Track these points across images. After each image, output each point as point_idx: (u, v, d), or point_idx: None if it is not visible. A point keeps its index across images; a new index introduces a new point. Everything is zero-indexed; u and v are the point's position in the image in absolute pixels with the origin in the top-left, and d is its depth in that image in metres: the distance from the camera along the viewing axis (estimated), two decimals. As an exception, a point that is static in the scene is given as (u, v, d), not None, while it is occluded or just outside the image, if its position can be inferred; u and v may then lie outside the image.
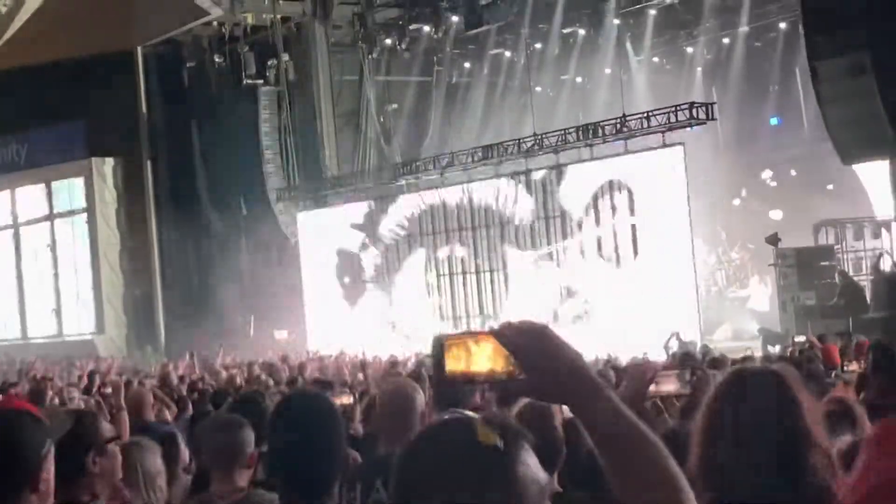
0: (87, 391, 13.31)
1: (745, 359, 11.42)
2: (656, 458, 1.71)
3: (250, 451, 4.04)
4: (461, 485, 1.70)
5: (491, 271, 26.90)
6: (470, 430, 1.75)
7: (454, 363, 1.73)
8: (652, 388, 3.74)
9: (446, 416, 1.87)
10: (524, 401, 3.93)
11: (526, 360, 1.70)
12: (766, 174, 29.08)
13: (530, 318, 1.83)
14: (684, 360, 12.60)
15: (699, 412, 2.54)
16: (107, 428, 3.64)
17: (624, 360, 14.92)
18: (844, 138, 20.63)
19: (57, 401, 11.30)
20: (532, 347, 1.70)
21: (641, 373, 3.87)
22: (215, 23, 32.29)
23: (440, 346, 1.74)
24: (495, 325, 1.77)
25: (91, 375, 17.16)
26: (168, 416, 9.67)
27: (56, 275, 36.77)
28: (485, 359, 1.72)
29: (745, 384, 2.49)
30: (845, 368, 7.67)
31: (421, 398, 4.63)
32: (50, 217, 36.88)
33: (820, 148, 24.36)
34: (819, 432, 2.40)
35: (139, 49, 33.80)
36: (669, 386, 3.76)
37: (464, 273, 27.60)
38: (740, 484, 2.33)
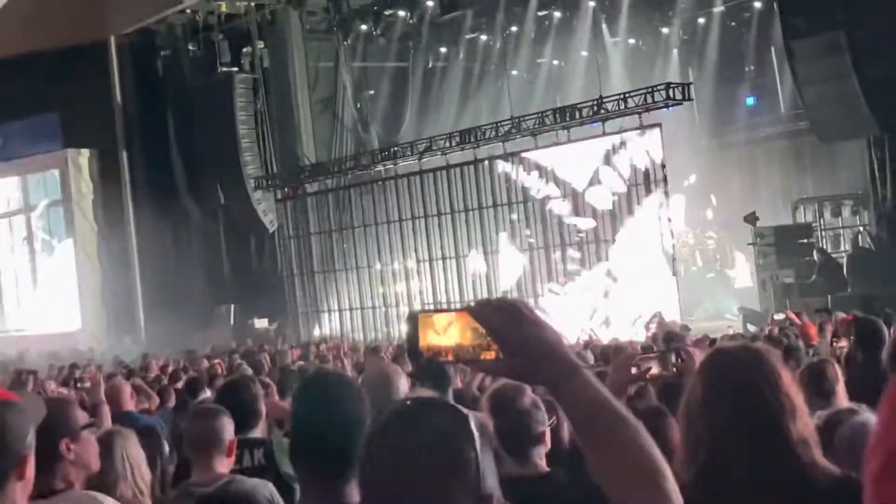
0: (65, 383, 13.27)
1: (726, 338, 11.45)
2: (634, 439, 1.70)
3: (229, 438, 4.03)
4: (426, 469, 1.68)
5: (468, 256, 26.90)
6: (443, 405, 1.74)
7: (428, 339, 1.71)
8: (634, 370, 3.74)
9: (410, 399, 1.86)
10: (499, 381, 3.93)
11: (502, 339, 1.67)
12: (744, 153, 29.13)
13: (506, 295, 1.82)
14: (668, 340, 12.66)
15: (684, 390, 2.54)
16: (81, 416, 3.61)
17: (604, 341, 14.95)
18: (822, 117, 20.74)
19: (38, 394, 11.24)
20: (508, 326, 1.68)
21: (625, 358, 3.88)
22: (189, 11, 32.10)
23: (415, 321, 1.72)
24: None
25: (72, 368, 17.13)
26: (150, 407, 9.66)
27: (33, 268, 36.57)
28: (459, 335, 1.70)
29: (726, 361, 2.49)
30: (834, 344, 7.66)
31: (403, 381, 4.63)
32: (26, 210, 36.66)
33: (796, 126, 24.50)
34: (801, 407, 2.41)
35: (112, 39, 33.57)
36: (654, 370, 3.76)
37: (443, 258, 27.59)
38: (724, 459, 2.33)
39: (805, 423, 2.39)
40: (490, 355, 1.70)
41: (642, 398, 4.75)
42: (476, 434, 1.74)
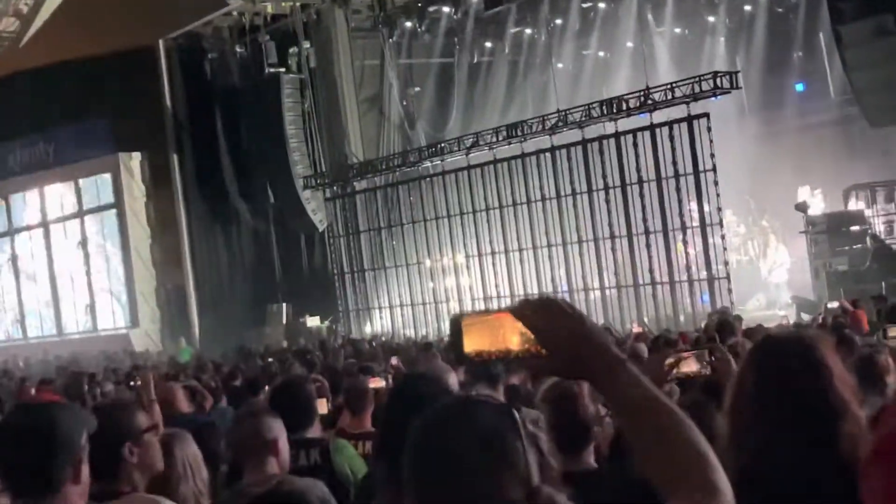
0: (122, 384, 13.43)
1: (778, 327, 11.36)
2: (680, 431, 1.70)
3: (275, 437, 4.07)
4: (477, 464, 1.70)
5: (520, 250, 26.87)
6: (489, 402, 1.77)
7: (473, 343, 1.73)
8: (672, 370, 3.74)
9: (457, 398, 1.89)
10: (552, 380, 3.95)
11: (544, 338, 1.69)
12: (794, 140, 28.82)
13: (547, 293, 1.84)
14: (720, 331, 12.57)
15: (730, 381, 2.52)
16: (143, 418, 3.67)
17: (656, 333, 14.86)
18: (871, 102, 20.49)
19: (96, 395, 11.40)
20: (550, 323, 1.70)
21: (660, 356, 3.89)
22: (235, 13, 32.31)
23: (458, 326, 1.74)
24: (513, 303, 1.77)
25: (132, 370, 17.32)
26: (205, 407, 9.74)
27: (88, 271, 37.02)
28: (504, 337, 1.72)
29: (773, 350, 2.46)
30: (888, 333, 7.50)
31: (453, 378, 4.65)
32: (80, 214, 37.11)
33: (847, 112, 24.19)
34: (851, 398, 2.37)
35: (161, 42, 33.88)
36: (689, 367, 3.76)
37: (492, 253, 27.59)
38: (769, 452, 2.31)
39: (854, 415, 2.35)
40: (534, 353, 1.72)
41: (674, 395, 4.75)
42: (522, 427, 1.76)
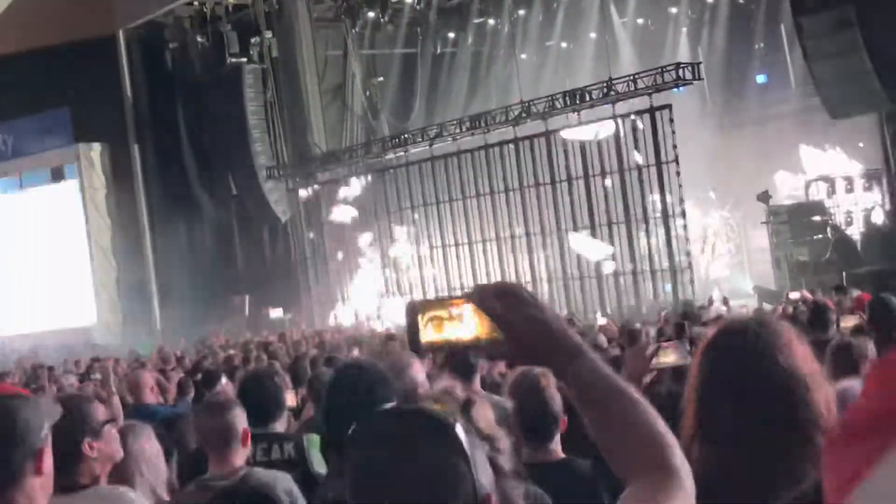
0: (82, 378, 13.32)
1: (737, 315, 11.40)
2: (640, 417, 1.69)
3: (242, 428, 4.04)
4: (419, 475, 1.65)
5: (484, 241, 26.89)
6: (423, 417, 1.69)
7: (429, 332, 1.70)
8: (654, 361, 3.73)
9: (388, 410, 1.83)
10: (519, 370, 3.94)
11: (503, 324, 1.67)
12: (754, 131, 29.01)
13: (503, 279, 1.80)
14: (684, 317, 12.66)
15: (692, 367, 2.48)
16: (101, 411, 3.62)
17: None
18: (833, 94, 20.63)
19: (54, 388, 11.30)
20: (508, 310, 1.67)
21: (640, 347, 3.88)
22: (196, 2, 32.10)
23: (413, 315, 1.70)
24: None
25: (92, 362, 17.20)
26: (168, 398, 9.68)
27: (46, 263, 36.64)
28: (462, 325, 1.69)
29: (731, 334, 2.43)
30: (840, 324, 7.64)
31: (418, 369, 4.61)
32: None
33: (808, 103, 24.36)
34: (815, 375, 2.33)
35: (121, 32, 33.60)
36: (669, 358, 3.76)
37: (456, 245, 27.60)
38: (735, 435, 2.28)
39: (822, 390, 2.30)
40: (492, 339, 1.69)
41: (657, 385, 4.76)
42: (464, 439, 1.68)
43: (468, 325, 1.68)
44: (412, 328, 1.70)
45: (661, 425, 1.70)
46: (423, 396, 1.81)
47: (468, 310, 1.69)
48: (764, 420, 2.25)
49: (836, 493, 0.83)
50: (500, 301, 1.68)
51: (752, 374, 2.29)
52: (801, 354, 2.31)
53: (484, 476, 1.68)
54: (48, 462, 2.66)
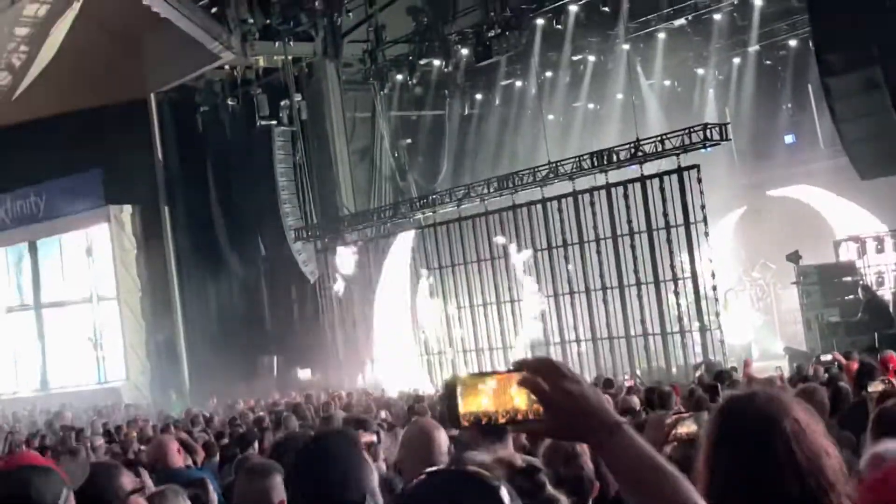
0: (110, 440, 13.33)
1: (768, 380, 11.35)
2: (677, 492, 1.69)
3: (280, 498, 4.02)
4: None
5: (512, 301, 26.84)
6: (473, 477, 1.72)
7: (469, 405, 1.69)
8: (672, 431, 3.71)
9: (446, 467, 1.84)
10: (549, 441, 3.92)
11: (543, 399, 1.67)
12: (783, 191, 28.95)
13: (543, 354, 1.81)
14: (716, 379, 12.58)
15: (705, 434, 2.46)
16: (128, 480, 3.63)
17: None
18: (861, 154, 20.59)
19: (83, 451, 11.30)
20: (549, 386, 1.67)
21: (658, 418, 3.86)
22: (227, 67, 32.52)
23: (453, 388, 1.70)
24: (510, 360, 1.74)
25: (118, 428, 17.20)
26: (197, 460, 9.66)
27: (78, 324, 36.91)
28: (501, 400, 1.69)
29: (740, 401, 2.40)
30: (869, 388, 7.56)
31: (443, 436, 4.60)
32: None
33: (837, 163, 24.30)
34: (824, 445, 2.30)
35: (152, 96, 34.06)
36: (687, 428, 3.73)
37: (484, 304, 27.56)
38: (744, 501, 2.25)
39: (830, 468, 2.27)
40: (533, 415, 1.69)
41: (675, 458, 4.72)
42: (507, 500, 1.72)
43: (507, 400, 1.68)
44: (451, 402, 1.70)
45: (700, 500, 1.71)
46: (469, 461, 1.82)
47: (507, 384, 1.69)
48: (772, 487, 2.23)
49: None
50: (539, 376, 1.68)
51: (760, 441, 2.27)
52: (808, 423, 2.29)
53: None
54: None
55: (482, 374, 1.73)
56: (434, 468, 1.96)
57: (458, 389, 1.70)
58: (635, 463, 1.70)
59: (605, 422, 1.71)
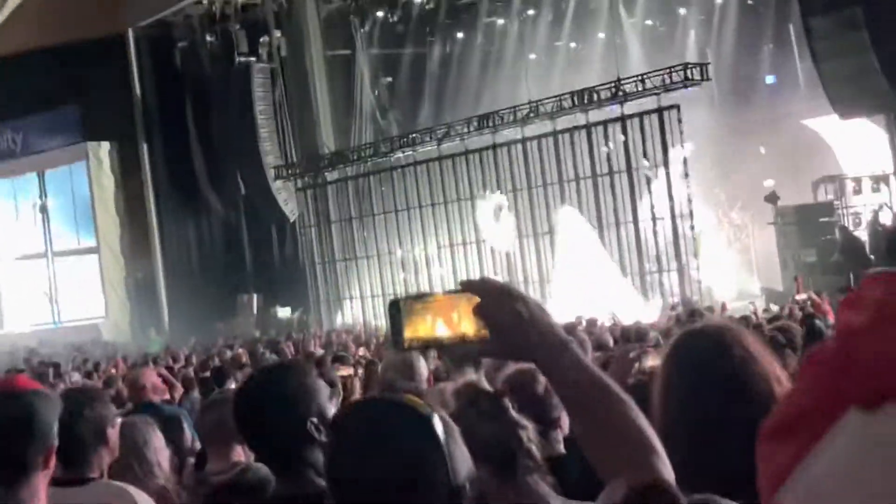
0: (88, 376, 13.36)
1: (744, 318, 11.44)
2: (624, 415, 1.68)
3: None
4: (394, 460, 1.70)
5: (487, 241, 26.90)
6: (402, 406, 1.75)
7: (413, 328, 1.68)
8: (637, 365, 3.75)
9: (370, 400, 1.87)
10: (509, 367, 3.95)
11: (490, 319, 1.67)
12: (763, 132, 28.95)
13: (490, 276, 1.81)
14: (691, 317, 12.69)
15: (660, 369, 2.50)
16: (110, 405, 3.67)
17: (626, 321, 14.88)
18: (841, 94, 20.60)
19: (60, 386, 11.35)
20: (495, 305, 1.66)
21: (626, 352, 3.90)
22: (205, 2, 32.16)
23: (396, 310, 1.67)
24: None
25: (97, 364, 17.25)
26: (175, 396, 9.72)
27: (54, 262, 36.80)
28: (445, 321, 1.67)
29: (693, 335, 2.45)
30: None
31: (423, 365, 4.64)
32: (46, 206, 36.86)
33: (817, 104, 24.30)
34: (775, 372, 2.34)
35: (130, 31, 33.69)
36: (652, 361, 3.76)
37: (464, 244, 27.60)
38: (697, 430, 2.29)
39: (785, 391, 2.31)
40: (478, 336, 1.67)
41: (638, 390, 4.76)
42: (440, 431, 1.73)
43: (453, 322, 1.66)
44: (395, 325, 1.67)
45: (646, 427, 1.69)
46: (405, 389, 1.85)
47: (450, 305, 1.67)
48: (722, 414, 2.27)
49: (766, 491, 0.84)
50: (485, 297, 1.67)
51: (713, 371, 2.31)
52: (758, 351, 2.34)
53: (461, 467, 1.71)
54: (54, 457, 2.70)
55: (425, 296, 1.70)
56: (364, 397, 1.99)
57: (402, 312, 1.67)
58: (580, 384, 1.68)
59: (551, 342, 1.68)
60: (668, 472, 1.69)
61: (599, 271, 23.77)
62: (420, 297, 1.71)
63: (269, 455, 2.87)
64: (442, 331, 1.67)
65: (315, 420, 2.76)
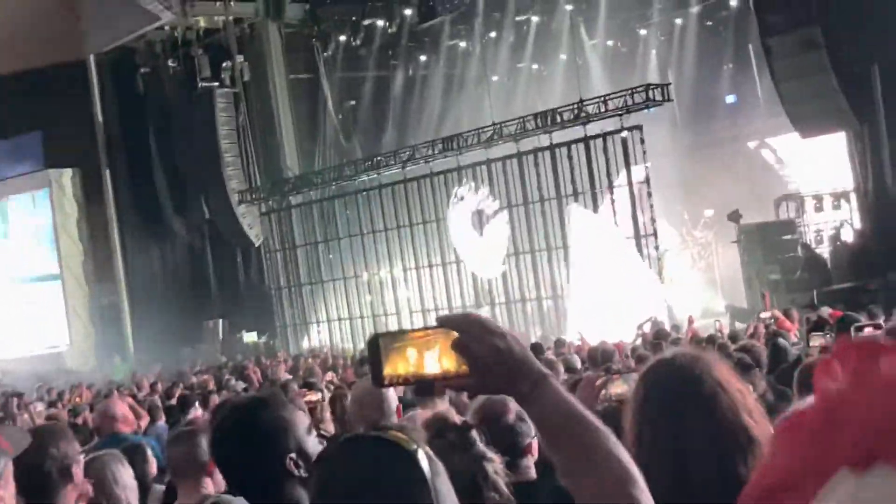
0: (52, 405, 13.24)
1: (710, 338, 11.50)
2: (603, 448, 1.69)
3: (208, 458, 4.00)
4: (381, 496, 1.70)
5: (458, 262, 26.91)
6: (389, 443, 1.75)
7: (394, 366, 1.68)
8: (604, 391, 3.75)
9: (363, 432, 1.87)
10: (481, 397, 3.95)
11: (469, 356, 1.66)
12: (724, 151, 29.21)
13: (467, 309, 1.81)
14: (658, 337, 12.76)
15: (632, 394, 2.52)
16: (71, 443, 3.63)
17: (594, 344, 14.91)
18: (801, 113, 20.79)
19: (25, 416, 11.23)
20: (474, 342, 1.66)
21: (590, 379, 3.90)
22: (167, 27, 32.06)
23: (376, 347, 1.67)
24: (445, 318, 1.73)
25: (60, 394, 17.10)
26: (140, 425, 9.63)
27: (19, 290, 36.41)
28: (426, 357, 1.67)
29: (665, 362, 2.47)
30: (810, 342, 7.76)
31: (392, 396, 4.63)
32: (10, 231, 36.53)
33: (778, 123, 24.56)
34: (741, 391, 2.36)
35: (91, 57, 33.52)
36: (618, 389, 3.77)
37: (430, 266, 27.61)
38: (666, 477, 2.29)
39: (751, 409, 2.34)
40: (458, 372, 1.67)
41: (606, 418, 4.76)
42: (425, 467, 1.73)
43: (432, 358, 1.67)
44: (374, 362, 1.68)
45: (625, 457, 1.70)
46: (388, 425, 1.84)
47: (429, 342, 1.67)
48: (694, 446, 2.29)
49: None
50: (463, 332, 1.67)
51: (681, 402, 2.33)
52: (729, 382, 2.36)
53: (446, 500, 1.72)
54: (2, 496, 2.66)
55: (404, 332, 1.70)
56: (351, 434, 1.98)
57: (381, 349, 1.68)
58: (559, 416, 1.69)
59: (529, 375, 1.68)
60: (647, 502, 1.69)
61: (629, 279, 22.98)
62: (399, 333, 1.71)
63: (248, 492, 2.83)
64: (421, 367, 1.67)
65: (294, 456, 2.74)
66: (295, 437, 2.80)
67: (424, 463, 1.73)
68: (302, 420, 2.89)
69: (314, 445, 2.82)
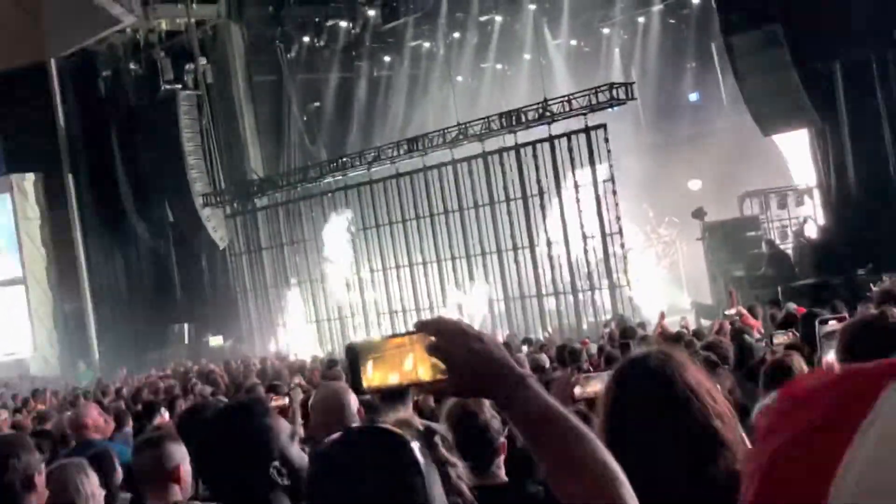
0: (17, 412, 13.12)
1: (678, 335, 11.54)
2: (586, 448, 1.69)
3: (174, 465, 3.98)
4: (379, 485, 1.72)
5: (424, 263, 26.90)
6: (385, 432, 1.77)
7: (372, 375, 1.69)
8: (577, 390, 3.75)
9: (359, 425, 1.89)
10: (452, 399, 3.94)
11: (446, 359, 1.67)
12: (687, 148, 29.36)
13: (443, 314, 1.82)
14: (624, 334, 12.80)
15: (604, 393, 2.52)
16: (36, 452, 3.60)
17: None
18: (763, 110, 20.95)
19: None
20: (450, 346, 1.67)
21: (563, 378, 3.90)
22: (129, 30, 31.86)
23: (354, 357, 1.68)
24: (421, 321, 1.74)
25: (25, 400, 16.95)
26: (106, 431, 9.54)
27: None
28: (404, 364, 1.68)
29: (637, 360, 2.47)
30: (774, 340, 7.81)
31: (353, 399, 4.60)
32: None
33: (740, 120, 24.71)
34: (712, 390, 2.37)
35: (52, 61, 33.25)
36: (593, 387, 3.77)
37: (397, 267, 27.57)
38: (644, 445, 2.30)
39: (722, 407, 2.35)
40: (435, 376, 1.68)
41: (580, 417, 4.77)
42: (420, 459, 1.75)
43: (410, 364, 1.67)
44: (354, 371, 1.69)
45: (608, 456, 1.70)
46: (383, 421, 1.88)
47: (407, 349, 1.68)
48: (666, 448, 2.29)
49: None
50: (440, 337, 1.67)
51: (653, 403, 2.34)
52: (700, 383, 2.37)
53: (437, 494, 1.74)
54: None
55: (383, 340, 1.71)
56: (350, 427, 2.00)
57: (360, 355, 1.68)
58: (541, 417, 1.68)
59: (508, 377, 1.69)
60: (632, 501, 1.69)
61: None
62: (377, 341, 1.72)
63: (232, 501, 2.81)
64: (400, 373, 1.67)
65: (277, 464, 2.72)
66: (278, 445, 2.78)
67: (418, 453, 1.77)
68: (284, 427, 2.87)
69: (297, 453, 2.80)
